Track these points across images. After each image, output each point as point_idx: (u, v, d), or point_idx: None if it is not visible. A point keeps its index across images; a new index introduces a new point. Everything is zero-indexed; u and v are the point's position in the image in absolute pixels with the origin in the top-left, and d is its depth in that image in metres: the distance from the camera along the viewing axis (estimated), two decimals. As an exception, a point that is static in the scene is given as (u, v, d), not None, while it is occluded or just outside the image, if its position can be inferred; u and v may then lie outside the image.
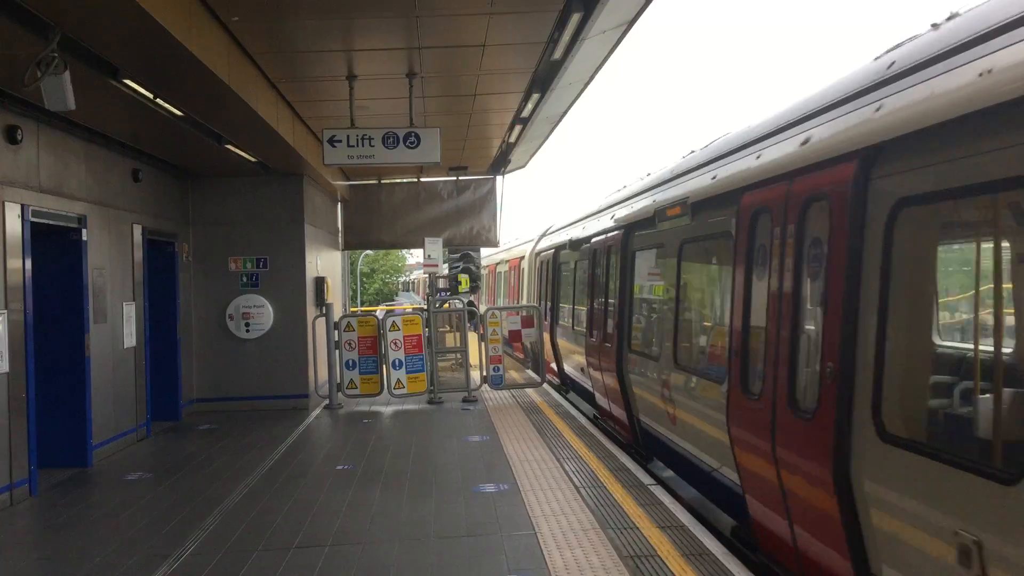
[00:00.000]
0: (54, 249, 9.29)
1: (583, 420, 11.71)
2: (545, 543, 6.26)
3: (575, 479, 8.24)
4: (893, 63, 4.93)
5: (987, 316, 4.11)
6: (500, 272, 27.14)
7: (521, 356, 17.46)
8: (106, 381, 10.11)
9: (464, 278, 21.75)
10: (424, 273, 20.98)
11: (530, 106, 11.56)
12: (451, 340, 16.02)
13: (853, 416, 4.72)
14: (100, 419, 9.86)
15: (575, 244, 13.98)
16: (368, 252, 54.18)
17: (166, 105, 8.41)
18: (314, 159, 12.32)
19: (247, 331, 13.33)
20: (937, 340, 5.00)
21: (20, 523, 7.49)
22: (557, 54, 9.03)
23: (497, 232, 18.56)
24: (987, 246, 4.05)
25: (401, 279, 66.28)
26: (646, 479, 8.18)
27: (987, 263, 4.03)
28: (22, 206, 8.17)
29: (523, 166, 18.32)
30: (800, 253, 5.47)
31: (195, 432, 11.74)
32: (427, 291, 16.60)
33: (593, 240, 12.35)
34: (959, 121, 3.92)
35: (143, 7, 5.62)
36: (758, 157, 6.45)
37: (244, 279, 13.48)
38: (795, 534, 5.52)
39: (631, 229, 10.27)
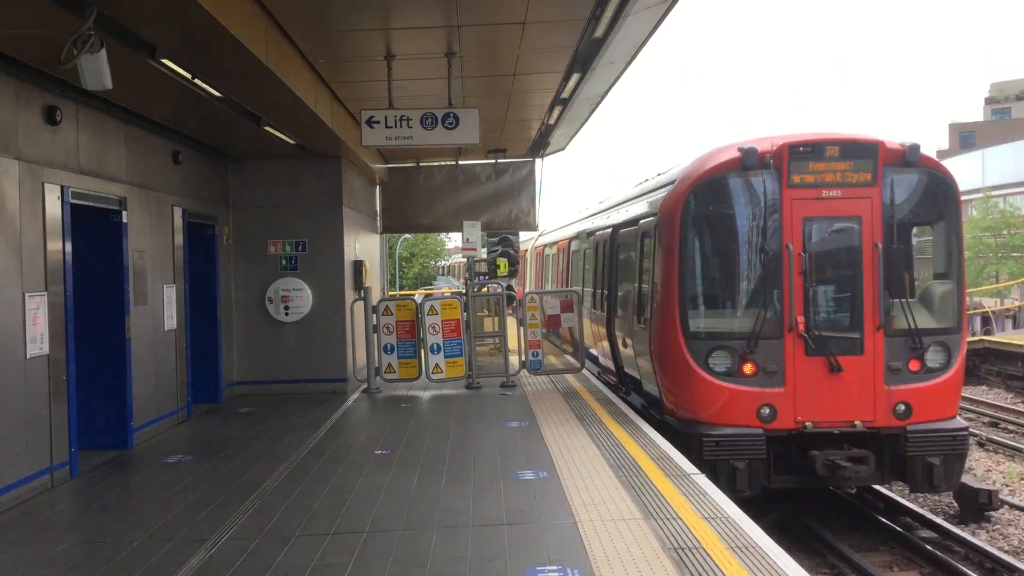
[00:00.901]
0: (95, 231, 9.27)
1: (623, 406, 11.53)
2: (585, 533, 6.11)
3: (615, 466, 8.08)
4: (627, 196, 12.95)
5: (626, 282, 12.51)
6: (548, 255, 25.63)
7: (568, 344, 17.02)
8: (147, 363, 10.13)
9: (503, 262, 21.57)
10: (462, 257, 20.85)
11: (571, 86, 11.34)
12: (489, 325, 15.90)
13: (643, 319, 10.81)
14: (141, 401, 9.88)
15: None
16: (407, 236, 54.22)
17: (204, 86, 8.34)
18: (352, 141, 12.22)
19: (286, 314, 13.32)
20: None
21: (59, 506, 7.52)
22: (599, 31, 8.81)
23: (536, 216, 18.38)
24: (635, 255, 11.63)
25: (439, 263, 66.27)
26: (689, 468, 7.99)
27: (641, 258, 11.32)
28: (62, 188, 8.16)
29: (563, 149, 18.11)
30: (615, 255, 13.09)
31: (235, 415, 11.76)
32: (465, 275, 16.45)
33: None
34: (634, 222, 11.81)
35: (178, -17, 5.52)
36: (607, 215, 14.74)
37: (283, 262, 13.46)
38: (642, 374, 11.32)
39: (616, 228, 13.71)
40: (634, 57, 10.50)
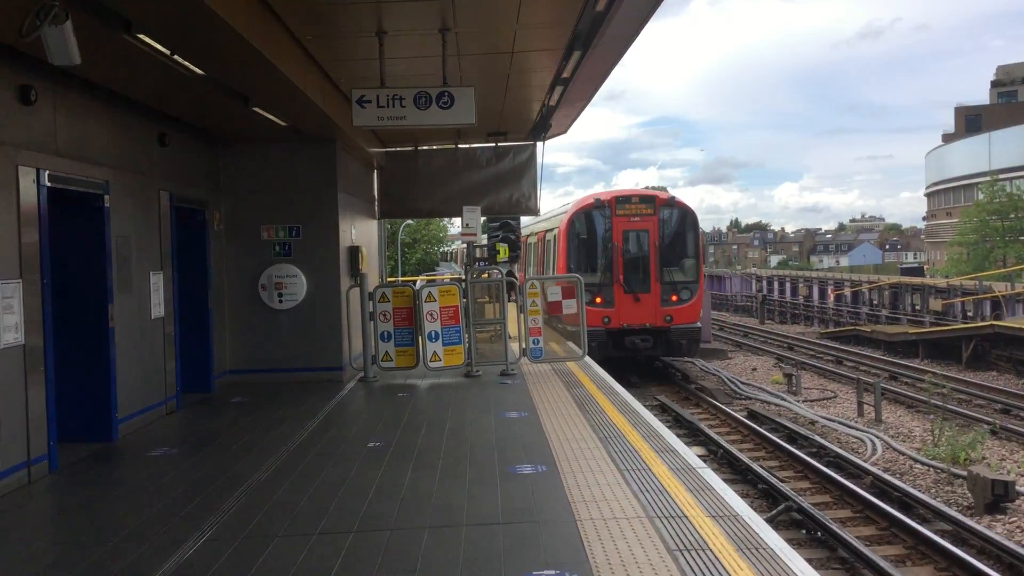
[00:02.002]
0: (76, 216, 8.91)
1: (627, 395, 11.19)
2: (586, 533, 5.76)
3: (618, 460, 7.73)
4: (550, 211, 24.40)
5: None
6: (531, 244, 27.02)
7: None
8: (132, 353, 9.79)
9: (503, 247, 21.22)
10: (462, 243, 20.75)
11: (571, 65, 10.93)
12: (490, 311, 15.54)
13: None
14: (126, 392, 9.54)
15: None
16: (409, 222, 53.84)
17: (185, 63, 7.94)
18: (345, 122, 11.79)
19: (280, 301, 12.96)
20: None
21: (35, 503, 7.17)
22: (600, 5, 8.41)
23: (537, 200, 18.00)
24: (552, 247, 21.82)
25: (443, 249, 65.88)
26: (695, 462, 7.64)
27: (554, 248, 21.18)
28: (37, 170, 7.78)
29: (564, 132, 17.67)
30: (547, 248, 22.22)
31: (226, 405, 11.43)
32: (465, 261, 16.09)
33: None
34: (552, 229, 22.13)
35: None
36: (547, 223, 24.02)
37: (277, 248, 13.09)
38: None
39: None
40: (637, 33, 10.08)
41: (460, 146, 17.55)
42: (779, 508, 10.23)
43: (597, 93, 14.08)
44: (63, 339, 8.54)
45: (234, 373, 12.95)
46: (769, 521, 9.52)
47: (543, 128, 16.27)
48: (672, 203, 20.03)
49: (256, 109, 10.30)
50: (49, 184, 7.96)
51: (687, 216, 20.15)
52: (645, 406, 13.11)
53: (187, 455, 8.67)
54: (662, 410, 16.78)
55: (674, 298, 19.51)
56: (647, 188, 21.97)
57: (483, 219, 19.56)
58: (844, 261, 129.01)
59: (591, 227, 19.92)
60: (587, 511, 6.26)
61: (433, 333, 13.08)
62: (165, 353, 10.69)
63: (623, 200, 19.94)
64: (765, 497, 10.92)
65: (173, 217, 10.98)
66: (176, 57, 7.73)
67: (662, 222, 19.76)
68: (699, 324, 20.02)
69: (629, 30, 9.84)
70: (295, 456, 8.41)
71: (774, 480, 11.18)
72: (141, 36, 7.10)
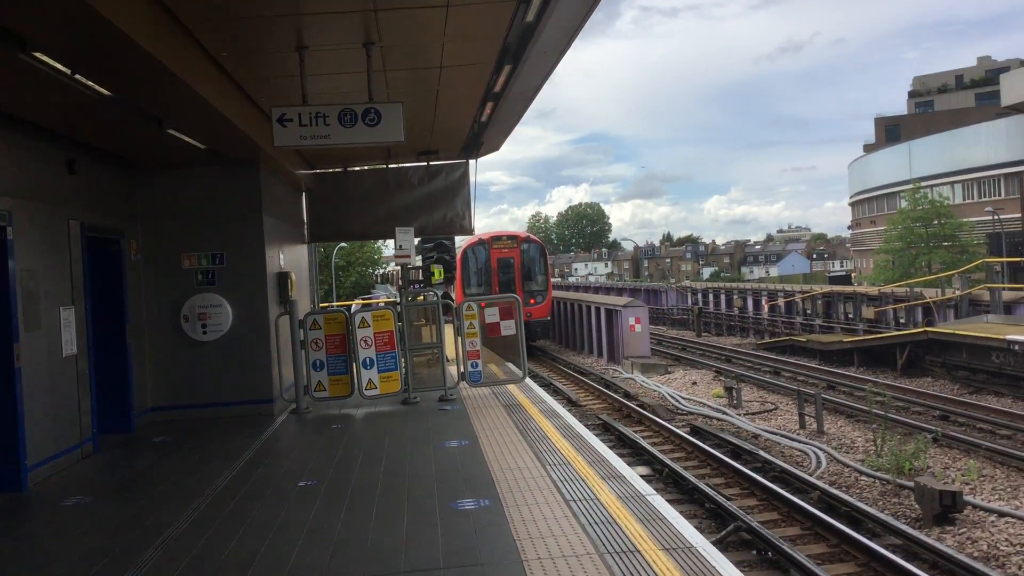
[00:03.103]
0: (-26, 250, 8.30)
1: (570, 419, 10.85)
2: (532, 574, 5.37)
3: (564, 490, 7.37)
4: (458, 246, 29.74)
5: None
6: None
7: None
8: (42, 394, 9.13)
9: (437, 268, 20.83)
10: (395, 265, 20.21)
11: (502, 79, 10.63)
12: (427, 335, 15.09)
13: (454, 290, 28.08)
14: (36, 437, 8.87)
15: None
16: (343, 244, 53.03)
17: (88, 83, 7.41)
18: (268, 144, 11.27)
19: (204, 332, 12.34)
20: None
21: (-72, 566, 6.53)
22: (530, 15, 8.12)
23: (472, 219, 17.61)
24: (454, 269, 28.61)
25: (377, 271, 65.12)
26: (644, 488, 7.32)
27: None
28: (-75, 202, 7.17)
29: (497, 149, 17.34)
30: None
31: (148, 445, 10.76)
32: (399, 283, 15.63)
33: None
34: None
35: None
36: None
37: (199, 277, 12.48)
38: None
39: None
40: (568, 45, 9.82)
41: (391, 166, 17.10)
42: (728, 529, 9.97)
43: (528, 110, 13.82)
44: (-38, 383, 7.89)
45: (157, 410, 12.27)
46: (719, 543, 9.30)
47: (475, 145, 15.94)
48: (529, 239, 30.99)
49: (171, 131, 9.75)
50: (-60, 216, 7.34)
51: (540, 248, 31.03)
52: (587, 426, 12.85)
53: (103, 503, 8.05)
54: (605, 429, 16.49)
55: (532, 301, 29.24)
56: (513, 231, 32.02)
57: (417, 240, 19.15)
58: (774, 271, 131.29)
59: (476, 257, 29.80)
60: (534, 549, 5.88)
61: (368, 360, 12.60)
62: (79, 393, 10.01)
63: (497, 238, 30.19)
64: (713, 517, 10.67)
65: (85, 247, 10.34)
66: (78, 77, 7.21)
67: (523, 252, 30.10)
68: (549, 318, 31.17)
69: (559, 43, 9.56)
70: (220, 500, 7.85)
71: (721, 499, 10.93)
72: (37, 55, 6.58)
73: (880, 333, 25.64)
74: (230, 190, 12.47)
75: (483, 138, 15.19)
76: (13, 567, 6.35)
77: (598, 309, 30.25)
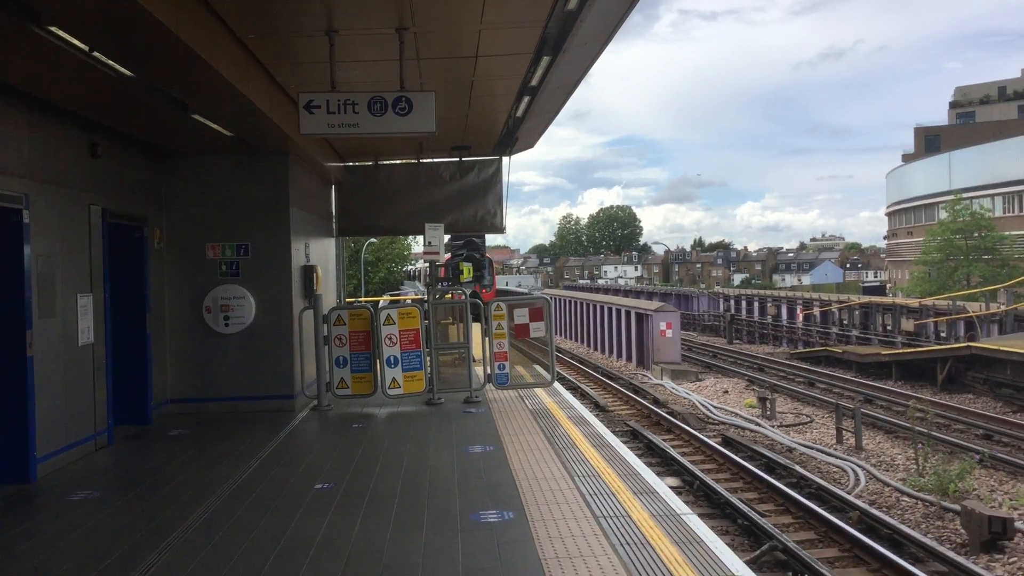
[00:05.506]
0: (-11, 233, 8.02)
1: (600, 427, 10.40)
2: (560, 601, 4.95)
3: (593, 505, 6.94)
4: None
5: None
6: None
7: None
8: (55, 384, 8.84)
9: (467, 267, 20.42)
10: (424, 262, 19.88)
11: (540, 72, 10.20)
12: (454, 334, 14.71)
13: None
14: (47, 427, 8.59)
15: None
16: (373, 240, 52.84)
17: (107, 61, 7.07)
18: (295, 132, 10.95)
19: (226, 325, 12.03)
20: None
21: (-77, 563, 6.22)
22: (572, 3, 7.69)
23: (503, 218, 17.19)
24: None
25: (406, 268, 64.86)
26: (679, 506, 6.86)
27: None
28: (-64, 181, 6.88)
29: (531, 146, 16.93)
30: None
31: (164, 439, 10.46)
32: (427, 281, 15.25)
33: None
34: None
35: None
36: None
37: (223, 268, 12.17)
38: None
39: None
40: (609, 38, 9.39)
41: (423, 160, 16.75)
42: (763, 548, 9.51)
43: (563, 109, 13.40)
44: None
45: (175, 403, 11.98)
46: (753, 563, 8.82)
47: (509, 142, 15.52)
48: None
49: (196, 117, 9.43)
50: (-49, 196, 7.06)
51: (489, 261, 31.85)
52: (616, 433, 12.39)
53: (110, 500, 7.72)
54: (633, 436, 16.03)
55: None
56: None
57: (447, 237, 18.78)
58: (806, 280, 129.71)
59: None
60: (560, 570, 5.45)
61: (392, 358, 12.23)
62: (95, 383, 9.72)
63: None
64: (747, 534, 10.20)
65: (105, 234, 10.05)
66: (96, 54, 6.87)
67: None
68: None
69: (600, 34, 9.13)
70: (231, 502, 7.50)
71: (755, 515, 10.45)
72: (52, 29, 6.25)
73: (920, 347, 24.92)
74: (258, 180, 12.16)
75: (518, 134, 14.76)
76: (8, 568, 6.02)
77: (628, 312, 29.76)
